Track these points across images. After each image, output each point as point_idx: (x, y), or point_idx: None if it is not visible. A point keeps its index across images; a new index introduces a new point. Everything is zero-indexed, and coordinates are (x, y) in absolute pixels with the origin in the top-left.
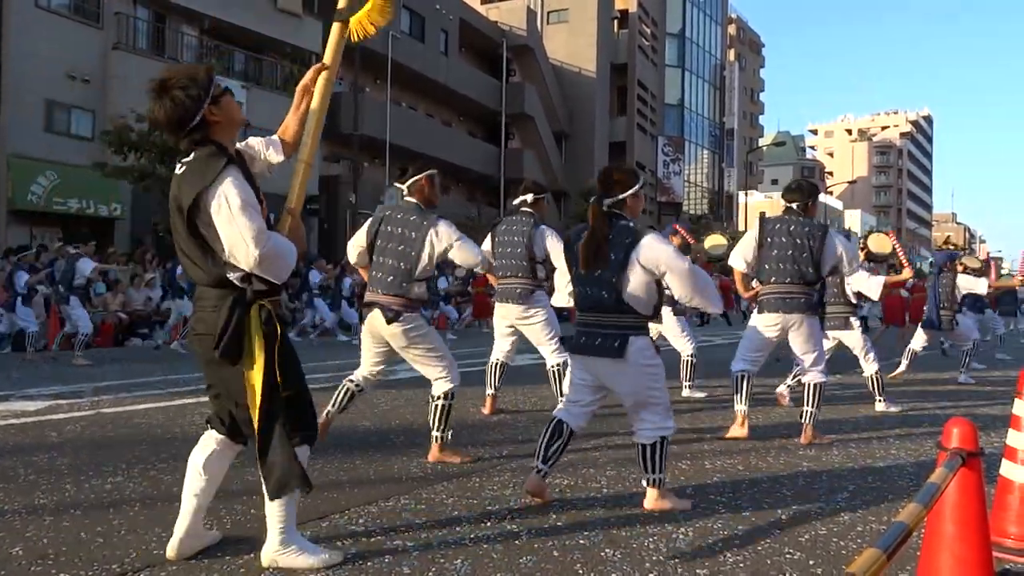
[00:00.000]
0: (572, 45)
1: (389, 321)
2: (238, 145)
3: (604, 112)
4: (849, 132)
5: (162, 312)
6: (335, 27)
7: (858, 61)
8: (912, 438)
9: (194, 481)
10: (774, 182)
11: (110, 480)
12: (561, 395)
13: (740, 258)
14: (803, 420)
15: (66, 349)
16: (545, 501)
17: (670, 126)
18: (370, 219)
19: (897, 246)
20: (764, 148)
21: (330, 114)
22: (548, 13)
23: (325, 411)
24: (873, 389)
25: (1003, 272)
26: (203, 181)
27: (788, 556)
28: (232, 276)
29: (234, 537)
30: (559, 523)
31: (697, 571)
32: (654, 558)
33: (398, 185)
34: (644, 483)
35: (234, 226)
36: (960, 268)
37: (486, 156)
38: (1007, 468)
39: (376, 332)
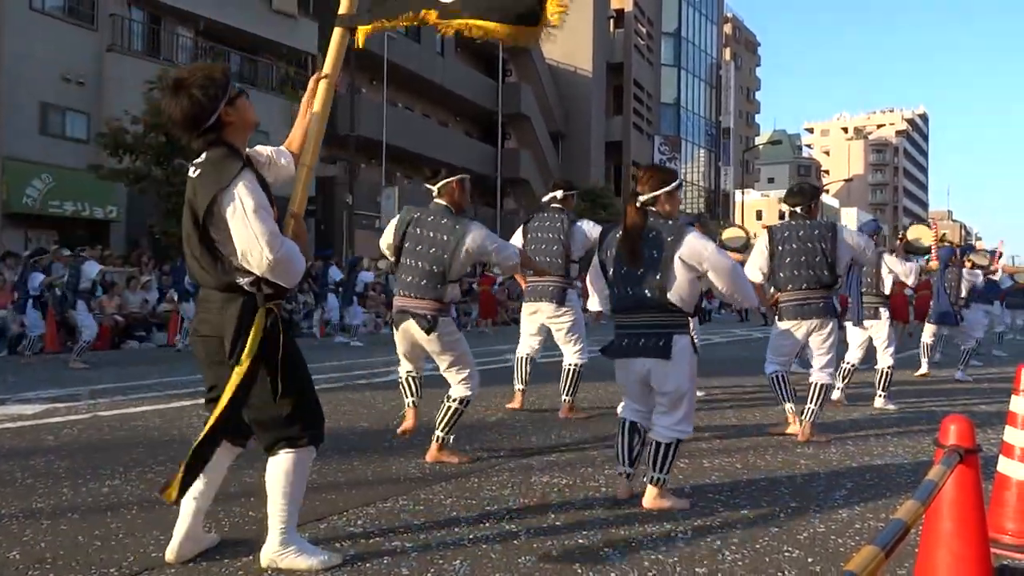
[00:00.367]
0: (568, 45)
1: (427, 331)
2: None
3: (600, 112)
4: (845, 130)
5: (158, 314)
6: (336, 33)
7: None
8: (909, 435)
9: (194, 486)
10: (771, 180)
11: (108, 483)
12: (570, 393)
13: (756, 269)
14: (803, 417)
15: (62, 351)
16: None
17: (666, 125)
18: (396, 219)
19: (935, 238)
20: (760, 147)
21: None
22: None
23: (408, 403)
24: (878, 383)
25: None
26: (218, 184)
27: (787, 554)
28: (242, 281)
29: (232, 539)
30: (558, 523)
31: (696, 570)
32: (653, 557)
33: (428, 186)
34: (646, 480)
35: (249, 229)
36: (968, 264)
37: (482, 156)
38: (1004, 464)
39: (410, 337)
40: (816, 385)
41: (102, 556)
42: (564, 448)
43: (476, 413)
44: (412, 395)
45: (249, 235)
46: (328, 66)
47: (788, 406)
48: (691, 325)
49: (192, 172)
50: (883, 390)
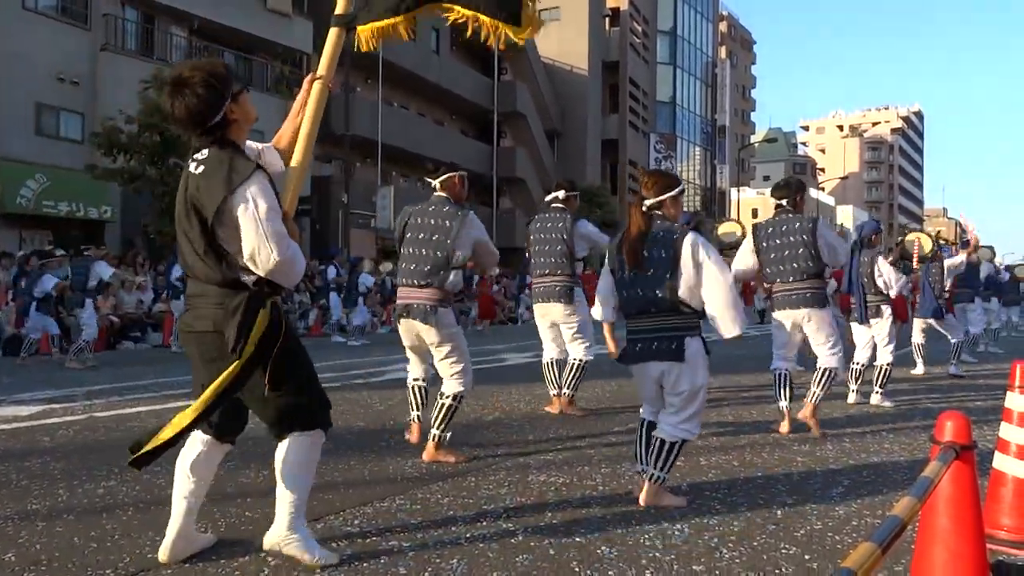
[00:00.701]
0: (564, 43)
1: (426, 320)
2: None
3: (596, 110)
4: (840, 128)
5: (153, 315)
6: (332, 33)
7: (848, 57)
8: (906, 432)
9: (182, 483)
10: (766, 178)
11: (103, 484)
12: (571, 387)
13: (741, 267)
14: (807, 399)
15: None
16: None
17: (662, 123)
18: (399, 217)
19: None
20: (756, 145)
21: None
22: (539, 11)
23: (413, 416)
24: (876, 379)
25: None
26: (229, 184)
27: (784, 551)
28: (247, 279)
29: (228, 539)
30: (555, 521)
31: (694, 567)
32: (650, 555)
33: (429, 180)
34: (644, 477)
35: (260, 230)
36: (973, 256)
37: (478, 155)
38: (1000, 461)
39: (413, 330)
40: (821, 370)
41: (98, 558)
42: (561, 447)
43: (472, 412)
44: (417, 408)
45: (260, 236)
46: (323, 67)
47: (782, 404)
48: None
49: (193, 168)
50: (881, 387)
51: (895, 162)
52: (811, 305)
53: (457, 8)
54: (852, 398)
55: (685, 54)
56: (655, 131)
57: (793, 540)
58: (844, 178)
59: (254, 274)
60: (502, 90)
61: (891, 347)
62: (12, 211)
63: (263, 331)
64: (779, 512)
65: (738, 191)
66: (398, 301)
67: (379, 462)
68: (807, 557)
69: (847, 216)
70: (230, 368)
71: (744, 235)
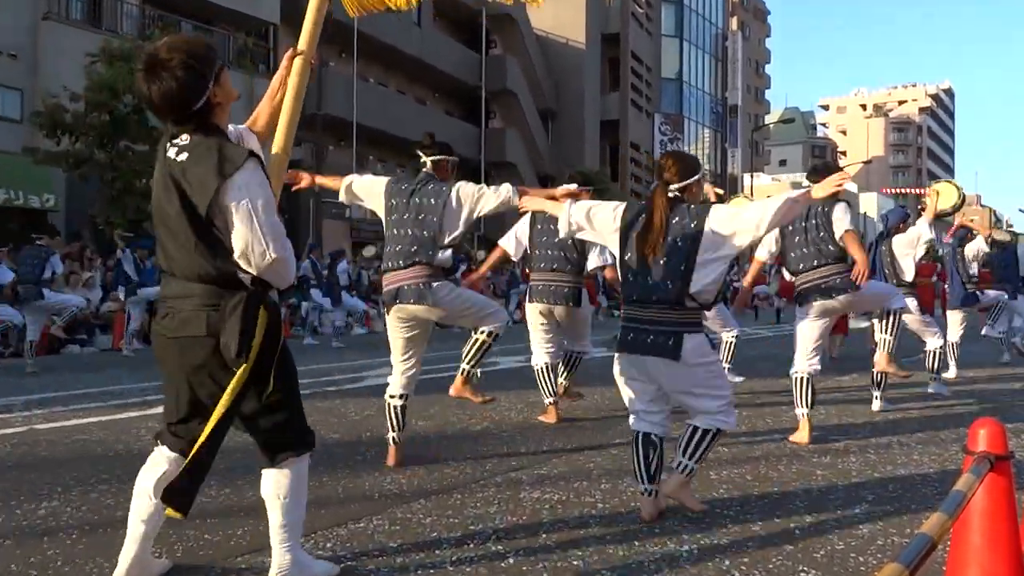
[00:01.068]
0: (559, 14)
1: (421, 299)
2: None
3: (594, 87)
4: (863, 107)
5: (102, 315)
6: (313, 2)
7: (873, 30)
8: (936, 442)
9: (142, 505)
10: (782, 163)
11: (45, 505)
12: (567, 377)
13: (765, 249)
14: (880, 348)
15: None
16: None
17: (667, 102)
18: (383, 181)
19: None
20: (771, 126)
21: None
22: None
23: (390, 437)
24: (930, 365)
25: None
26: (222, 174)
27: (803, 574)
28: (243, 276)
29: (185, 565)
30: (550, 543)
31: None
32: None
33: (421, 153)
34: (674, 465)
35: (256, 225)
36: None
37: (465, 136)
38: None
39: (407, 316)
40: (890, 312)
41: None
42: (557, 460)
43: (458, 422)
44: (395, 428)
45: (255, 231)
46: (304, 41)
47: (801, 411)
48: (718, 311)
49: (174, 153)
50: (935, 372)
51: (923, 145)
52: (843, 291)
53: None
54: (876, 405)
55: (693, 26)
56: (659, 111)
57: (812, 562)
58: (867, 162)
59: (250, 272)
60: (490, 65)
61: (934, 329)
62: None
63: (263, 336)
64: (797, 531)
65: (751, 177)
66: (385, 288)
67: (354, 478)
68: None
69: (871, 204)
70: (238, 376)
71: None
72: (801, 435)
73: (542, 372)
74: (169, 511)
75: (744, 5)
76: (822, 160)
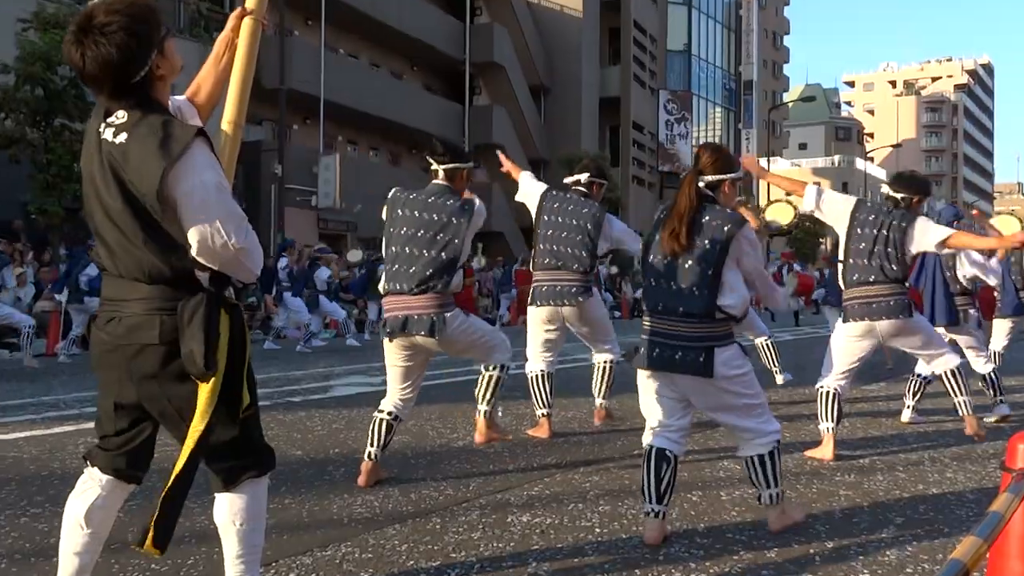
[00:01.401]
0: None
1: (434, 333)
2: None
3: (593, 61)
4: (893, 84)
5: (35, 316)
6: None
7: None
8: (972, 459)
9: (74, 536)
10: (802, 147)
11: None
12: (603, 396)
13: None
14: (961, 412)
15: None
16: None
17: (674, 78)
18: (386, 205)
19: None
20: (790, 104)
21: None
22: None
23: (368, 453)
24: (991, 391)
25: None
26: (167, 156)
27: None
28: (200, 274)
29: None
30: (541, 572)
31: None
32: None
33: (432, 162)
34: (761, 502)
35: (211, 214)
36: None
37: (446, 115)
38: None
39: (409, 345)
40: (948, 374)
41: None
42: (549, 480)
43: (438, 436)
44: (374, 444)
45: (211, 221)
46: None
47: (825, 425)
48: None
49: (110, 135)
50: (998, 397)
51: (959, 126)
52: (898, 314)
53: None
54: (907, 415)
55: None
56: (665, 87)
57: None
58: (897, 146)
59: (208, 268)
60: (476, 35)
61: (985, 354)
62: None
63: (228, 342)
64: (817, 558)
65: (768, 162)
66: (388, 314)
67: (321, 500)
68: None
69: None
70: (208, 392)
71: (795, 221)
72: (824, 451)
73: (536, 380)
74: (148, 546)
75: None
76: (909, 171)
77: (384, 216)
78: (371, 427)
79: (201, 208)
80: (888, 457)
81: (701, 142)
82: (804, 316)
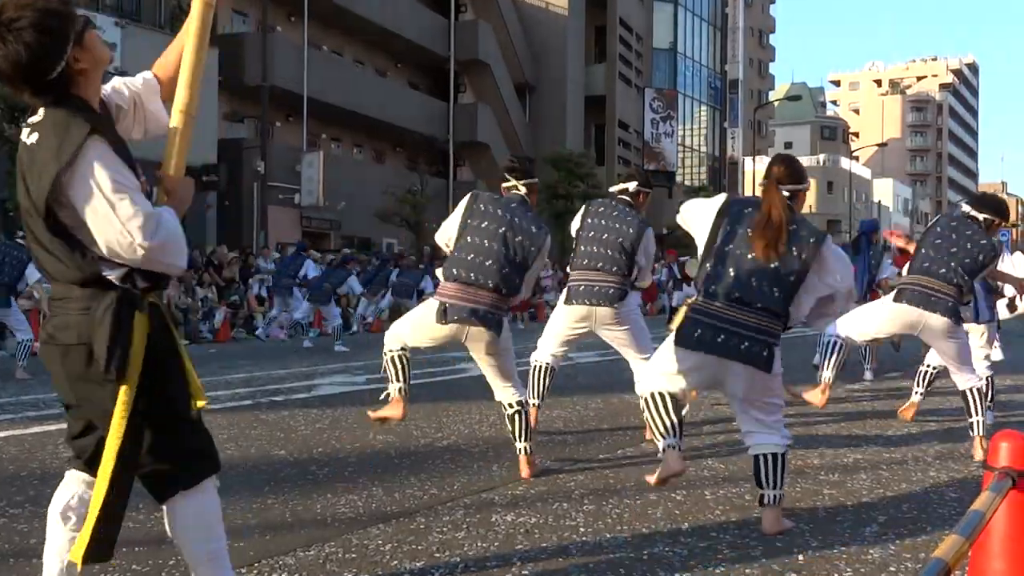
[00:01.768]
0: None
1: (495, 329)
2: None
3: (578, 58)
4: (878, 83)
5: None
6: None
7: None
8: (955, 457)
9: (57, 537)
10: (787, 145)
11: None
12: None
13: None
14: (972, 432)
15: None
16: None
17: (660, 76)
18: (461, 208)
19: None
20: (775, 103)
21: (232, 60)
22: None
23: (397, 388)
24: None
25: None
26: (58, 160)
27: None
28: (110, 274)
29: None
30: (525, 572)
31: None
32: None
33: (510, 177)
34: (761, 502)
35: (111, 217)
36: None
37: (431, 113)
38: None
39: (464, 335)
40: (971, 391)
41: None
42: (534, 479)
43: (421, 436)
44: (399, 378)
45: (113, 223)
46: None
47: (827, 374)
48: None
49: (26, 135)
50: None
51: (944, 126)
52: (948, 314)
53: None
54: (914, 399)
55: None
56: (651, 86)
57: None
58: (883, 145)
59: (120, 266)
60: (460, 32)
61: (989, 361)
62: None
63: (146, 343)
64: (801, 557)
65: (753, 161)
66: (453, 302)
67: (304, 500)
68: None
69: (886, 191)
70: (121, 401)
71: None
72: (815, 395)
73: (537, 371)
74: (72, 553)
75: None
76: (991, 193)
77: (459, 214)
78: (390, 365)
79: (100, 211)
80: (872, 456)
81: (687, 141)
82: None
